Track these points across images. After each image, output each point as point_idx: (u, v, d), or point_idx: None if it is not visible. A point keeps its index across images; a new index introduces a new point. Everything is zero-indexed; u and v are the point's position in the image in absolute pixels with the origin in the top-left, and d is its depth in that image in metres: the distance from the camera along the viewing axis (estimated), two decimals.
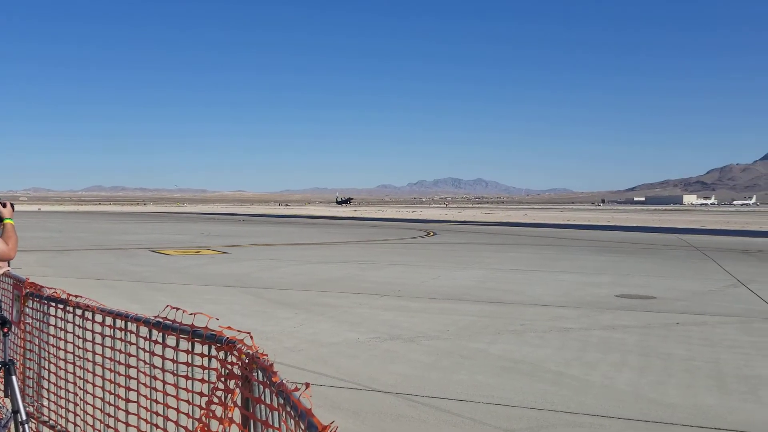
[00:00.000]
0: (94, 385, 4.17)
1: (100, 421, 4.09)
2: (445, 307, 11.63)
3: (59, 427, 4.61)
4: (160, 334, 3.48)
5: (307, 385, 2.06)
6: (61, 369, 4.52)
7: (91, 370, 4.20)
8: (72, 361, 4.39)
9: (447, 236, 35.59)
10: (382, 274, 16.88)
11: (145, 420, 3.65)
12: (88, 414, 4.22)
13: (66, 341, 4.41)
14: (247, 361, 2.62)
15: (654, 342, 8.89)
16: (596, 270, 18.00)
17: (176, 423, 3.33)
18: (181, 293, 13.18)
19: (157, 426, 3.57)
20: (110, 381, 4.00)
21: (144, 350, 3.67)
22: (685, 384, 6.87)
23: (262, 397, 2.48)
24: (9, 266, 4.99)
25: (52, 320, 4.59)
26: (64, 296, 4.38)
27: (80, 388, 4.30)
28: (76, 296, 4.28)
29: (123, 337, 3.85)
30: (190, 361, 3.23)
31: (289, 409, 2.09)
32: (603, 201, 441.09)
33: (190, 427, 3.23)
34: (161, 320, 3.44)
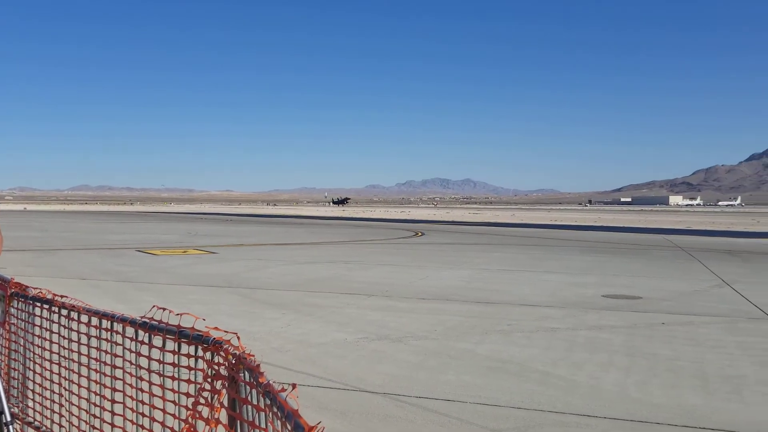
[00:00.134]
0: (79, 386, 4.14)
1: (85, 422, 4.07)
2: (433, 307, 11.66)
3: (44, 428, 4.57)
4: (147, 334, 3.46)
5: (294, 385, 2.06)
6: (46, 370, 4.49)
7: (76, 370, 4.17)
8: (57, 362, 4.36)
9: (435, 236, 35.66)
10: (370, 274, 16.89)
11: (131, 421, 3.63)
12: (73, 415, 4.19)
13: (51, 342, 4.38)
14: (233, 361, 2.61)
15: (640, 342, 8.95)
16: (583, 270, 18.10)
17: (162, 424, 3.32)
18: (167, 293, 13.12)
19: (143, 427, 3.55)
20: (96, 382, 3.97)
21: (130, 351, 3.65)
22: (670, 384, 6.93)
23: (249, 398, 2.48)
24: None
25: (38, 320, 4.56)
26: (49, 296, 4.35)
27: (66, 389, 4.27)
28: (62, 296, 4.25)
29: (109, 338, 3.83)
30: (176, 362, 3.22)
31: (275, 409, 2.09)
32: (590, 201, 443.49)
33: (176, 428, 3.22)
34: (147, 320, 3.42)
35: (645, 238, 35.14)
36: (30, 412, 4.75)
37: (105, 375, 3.91)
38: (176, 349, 3.22)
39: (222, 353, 2.74)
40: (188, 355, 3.11)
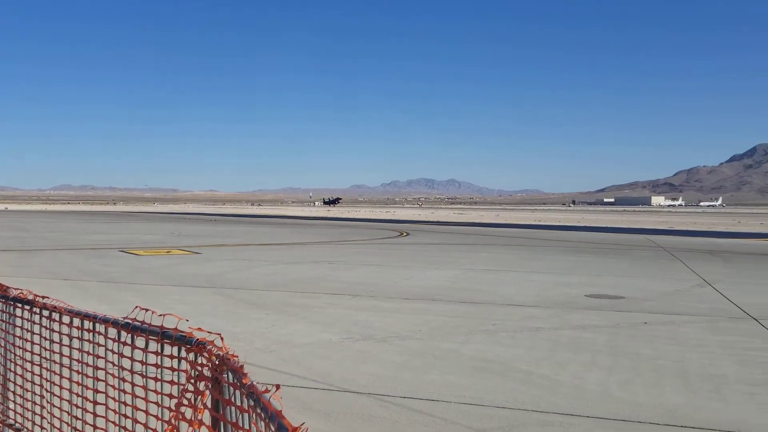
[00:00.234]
0: (61, 387, 4.11)
1: (67, 423, 4.03)
2: (418, 308, 11.67)
3: (25, 430, 4.53)
4: (129, 335, 3.44)
5: (278, 386, 2.06)
6: (27, 371, 4.45)
7: (58, 372, 4.13)
8: (39, 363, 4.32)
9: (420, 236, 35.70)
10: (354, 274, 16.87)
11: (114, 422, 3.61)
12: (55, 417, 4.16)
13: (33, 343, 4.34)
14: (217, 362, 2.60)
15: (622, 342, 9.02)
16: (566, 270, 18.20)
17: (145, 425, 3.30)
18: (150, 294, 13.03)
19: (125, 429, 3.53)
20: (78, 383, 3.94)
21: (112, 352, 3.63)
22: (653, 383, 6.99)
23: (233, 399, 2.47)
24: None
25: (19, 321, 4.51)
26: (30, 297, 4.31)
27: (47, 390, 4.24)
28: (43, 297, 4.21)
29: (91, 339, 3.81)
30: (159, 363, 3.20)
31: (259, 410, 2.08)
32: (573, 202, 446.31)
33: (159, 430, 3.20)
34: (130, 321, 3.40)
35: (628, 238, 35.41)
36: (11, 414, 4.70)
37: (87, 376, 3.88)
38: (159, 350, 3.20)
39: (205, 354, 2.73)
40: (171, 356, 3.10)
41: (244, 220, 63.87)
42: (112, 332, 3.60)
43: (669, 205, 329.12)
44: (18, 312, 4.51)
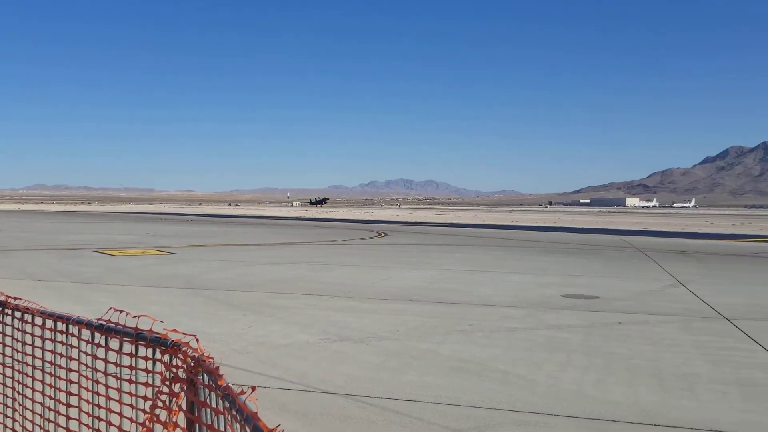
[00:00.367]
0: (33, 390, 4.05)
1: (39, 426, 3.98)
2: (396, 308, 11.69)
3: None
4: (103, 337, 3.40)
5: (254, 388, 2.05)
6: None
7: (30, 374, 4.07)
8: (11, 366, 4.25)
9: (398, 237, 35.75)
10: (332, 275, 16.85)
11: (87, 425, 3.56)
12: (27, 420, 4.09)
13: (4, 345, 4.27)
14: (192, 364, 2.58)
15: (597, 341, 9.12)
16: (543, 270, 18.35)
17: (119, 428, 3.26)
18: (125, 295, 12.89)
19: (98, 431, 3.49)
20: (50, 386, 3.89)
21: (86, 354, 3.58)
22: (627, 382, 7.07)
23: (208, 401, 2.45)
24: None
25: None
26: (2, 298, 4.24)
27: (19, 393, 4.17)
28: (15, 298, 4.15)
29: (64, 341, 3.75)
30: (133, 365, 3.17)
31: (234, 412, 2.07)
32: (550, 203, 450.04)
33: None
34: (104, 323, 3.36)
35: (603, 239, 35.79)
36: None
37: (60, 379, 3.83)
38: (133, 352, 3.17)
39: (180, 356, 2.71)
40: (146, 358, 3.07)
41: (221, 220, 63.45)
42: (86, 334, 3.55)
43: (643, 207, 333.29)
44: None
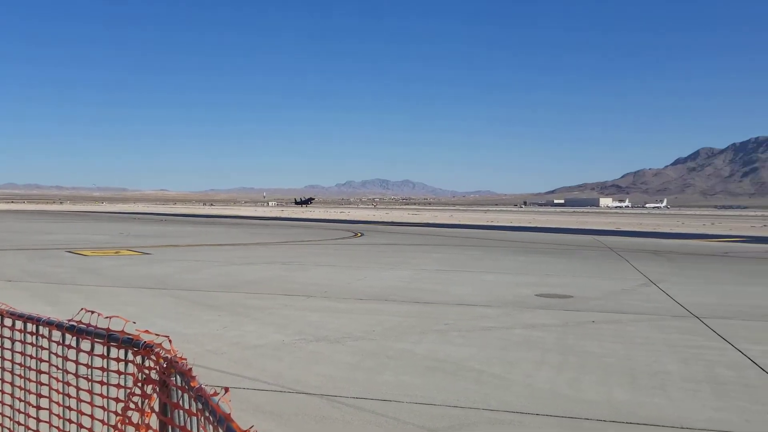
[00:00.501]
0: (2, 392, 3.98)
1: (9, 429, 3.91)
2: (372, 308, 11.69)
3: None
4: (74, 338, 3.35)
5: (227, 389, 2.04)
6: None
7: (0, 376, 4.01)
8: None
9: (374, 237, 35.75)
10: (308, 275, 16.80)
11: (58, 428, 3.51)
12: None
13: None
14: (165, 365, 2.56)
15: (571, 340, 9.21)
16: (518, 270, 18.49)
17: (90, 430, 3.22)
18: (98, 295, 12.72)
19: None
20: (20, 388, 3.83)
21: (56, 355, 3.53)
22: (600, 380, 7.15)
23: (181, 402, 2.43)
24: None
25: None
26: None
27: None
28: None
29: (34, 342, 3.70)
30: (105, 366, 3.13)
31: (208, 414, 2.06)
32: (525, 203, 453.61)
33: None
34: (75, 324, 3.31)
35: (577, 238, 36.16)
36: None
37: (30, 380, 3.77)
38: (105, 353, 3.13)
39: (153, 357, 2.69)
40: (118, 359, 3.03)
41: (195, 220, 62.93)
42: (57, 335, 3.51)
43: (616, 207, 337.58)
44: None
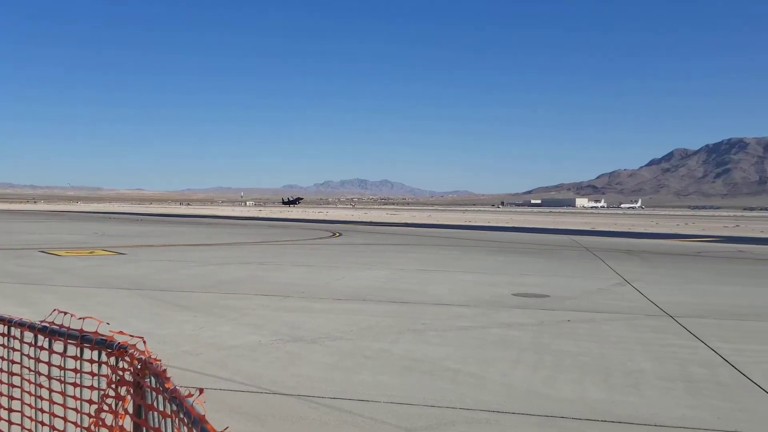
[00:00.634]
0: None
1: None
2: (349, 308, 11.68)
3: None
4: (47, 339, 3.31)
5: (201, 390, 2.03)
6: None
7: None
8: None
9: (352, 237, 35.72)
10: (285, 275, 16.74)
11: (30, 430, 3.46)
12: None
13: None
14: (139, 366, 2.54)
15: (547, 339, 9.28)
16: (495, 270, 18.59)
17: None
18: (71, 296, 12.55)
19: None
20: None
21: (28, 357, 3.48)
22: (575, 379, 7.22)
23: (155, 404, 2.42)
24: None
25: None
26: None
27: None
28: None
29: (5, 343, 3.65)
30: (78, 368, 3.10)
31: (182, 415, 2.05)
32: (502, 203, 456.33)
33: None
34: (47, 325, 3.27)
35: (553, 238, 36.46)
36: None
37: (1, 383, 3.72)
38: (78, 354, 3.10)
39: (127, 358, 2.66)
40: (91, 361, 3.00)
41: (172, 219, 62.37)
42: (29, 336, 3.46)
43: (592, 207, 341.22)
44: None
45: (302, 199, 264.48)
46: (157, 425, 2.39)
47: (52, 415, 3.32)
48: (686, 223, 66.07)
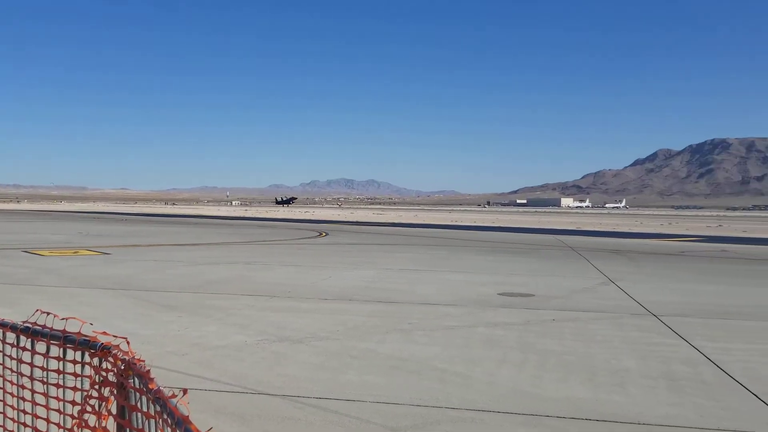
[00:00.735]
0: None
1: None
2: (336, 308, 11.67)
3: None
4: (29, 340, 3.28)
5: (185, 391, 2.02)
6: None
7: None
8: None
9: (339, 237, 35.69)
10: (272, 275, 16.69)
11: (11, 431, 3.43)
12: None
13: None
14: (122, 367, 2.52)
15: (532, 338, 9.32)
16: (481, 269, 18.64)
17: None
18: (55, 296, 12.45)
19: None
20: None
21: (10, 357, 3.45)
22: (560, 378, 7.26)
23: (139, 405, 2.40)
24: None
25: None
26: None
27: None
28: None
29: None
30: (61, 369, 3.07)
31: (166, 416, 2.03)
32: (488, 203, 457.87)
33: None
34: (30, 325, 3.24)
35: (539, 238, 36.62)
36: None
37: None
38: (61, 355, 3.07)
39: (110, 359, 2.64)
40: (74, 361, 2.98)
41: (157, 219, 61.99)
42: (11, 337, 3.43)
43: (577, 207, 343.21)
44: None
45: (296, 199, 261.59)
46: (140, 426, 2.37)
47: (35, 416, 3.29)
48: (670, 223, 66.62)
